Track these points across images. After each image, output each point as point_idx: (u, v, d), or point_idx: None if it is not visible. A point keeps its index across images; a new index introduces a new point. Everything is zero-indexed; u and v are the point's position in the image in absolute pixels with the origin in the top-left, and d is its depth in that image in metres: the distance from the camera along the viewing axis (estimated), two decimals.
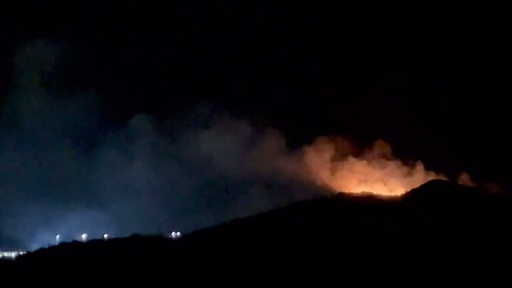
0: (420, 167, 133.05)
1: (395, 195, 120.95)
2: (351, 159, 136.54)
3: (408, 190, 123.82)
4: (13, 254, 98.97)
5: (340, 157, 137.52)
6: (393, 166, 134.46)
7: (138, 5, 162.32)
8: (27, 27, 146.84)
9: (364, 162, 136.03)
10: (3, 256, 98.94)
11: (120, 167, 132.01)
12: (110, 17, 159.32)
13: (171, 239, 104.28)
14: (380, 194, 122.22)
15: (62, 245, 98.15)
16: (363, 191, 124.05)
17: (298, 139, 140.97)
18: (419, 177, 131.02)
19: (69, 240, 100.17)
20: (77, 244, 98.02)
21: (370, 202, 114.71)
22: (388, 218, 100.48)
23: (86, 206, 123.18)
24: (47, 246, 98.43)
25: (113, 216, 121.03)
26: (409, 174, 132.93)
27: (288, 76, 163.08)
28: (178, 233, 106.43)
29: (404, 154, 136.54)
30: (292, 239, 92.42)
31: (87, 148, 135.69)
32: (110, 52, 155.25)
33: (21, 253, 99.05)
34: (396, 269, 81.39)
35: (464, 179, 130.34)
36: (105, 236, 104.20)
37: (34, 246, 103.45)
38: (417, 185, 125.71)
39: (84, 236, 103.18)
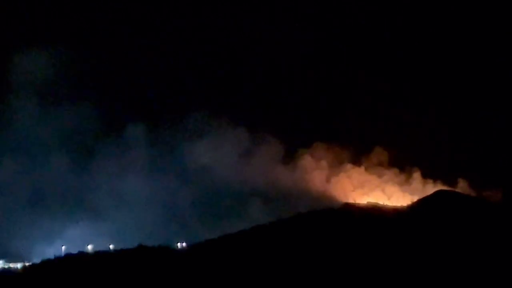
0: (417, 174, 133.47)
1: (402, 206, 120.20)
2: (349, 167, 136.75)
3: (406, 197, 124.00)
4: (19, 266, 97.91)
5: (338, 164, 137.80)
6: (390, 173, 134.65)
7: (133, 17, 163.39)
8: (23, 36, 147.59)
9: (362, 169, 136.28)
10: (9, 268, 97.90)
11: (116, 177, 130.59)
12: (106, 28, 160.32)
13: (177, 249, 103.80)
14: (386, 205, 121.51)
15: (68, 256, 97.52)
16: (369, 202, 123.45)
17: (295, 147, 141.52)
18: (417, 184, 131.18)
19: (74, 251, 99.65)
20: (83, 255, 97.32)
21: (376, 213, 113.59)
22: (396, 230, 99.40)
23: (83, 217, 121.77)
24: (52, 257, 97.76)
25: (111, 227, 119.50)
26: (407, 181, 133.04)
27: (284, 84, 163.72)
28: (184, 244, 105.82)
29: (402, 161, 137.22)
30: (299, 251, 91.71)
31: (83, 158, 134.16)
32: (105, 61, 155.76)
33: (27, 264, 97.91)
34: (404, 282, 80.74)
35: (463, 186, 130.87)
36: (111, 247, 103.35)
37: (33, 257, 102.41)
38: (414, 192, 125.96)
39: (90, 247, 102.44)
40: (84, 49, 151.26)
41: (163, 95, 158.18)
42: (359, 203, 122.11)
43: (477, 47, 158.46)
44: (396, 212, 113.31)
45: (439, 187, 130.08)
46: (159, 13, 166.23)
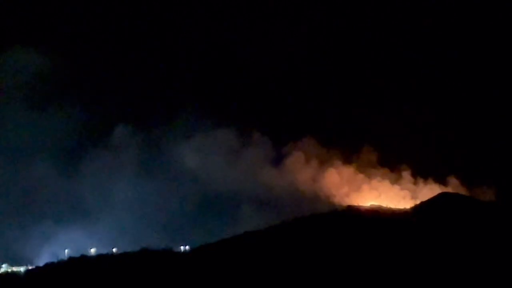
0: (406, 172, 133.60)
1: (405, 208, 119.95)
2: (339, 166, 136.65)
3: (398, 195, 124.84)
4: (22, 269, 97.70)
5: (328, 164, 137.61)
6: (380, 172, 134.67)
7: (120, 19, 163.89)
8: (8, 40, 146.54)
9: (352, 168, 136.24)
10: (12, 271, 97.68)
11: (106, 181, 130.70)
12: (92, 30, 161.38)
13: (181, 253, 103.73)
14: (389, 207, 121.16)
15: (71, 259, 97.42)
16: (372, 204, 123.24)
17: (284, 146, 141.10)
18: (406, 184, 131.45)
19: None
20: (86, 258, 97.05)
21: (379, 216, 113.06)
22: (401, 233, 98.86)
23: (75, 220, 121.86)
24: (55, 261, 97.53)
25: (103, 230, 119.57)
26: (397, 180, 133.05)
27: (274, 84, 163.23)
28: (187, 247, 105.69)
29: (392, 160, 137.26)
30: (305, 254, 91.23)
31: (73, 162, 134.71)
32: (92, 63, 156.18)
33: (29, 267, 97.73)
34: None
35: (454, 184, 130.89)
36: (114, 250, 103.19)
37: (32, 261, 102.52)
38: (406, 190, 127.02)
39: (93, 250, 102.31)
40: (71, 51, 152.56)
41: (151, 97, 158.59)
42: (362, 206, 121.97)
43: (468, 45, 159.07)
44: (400, 215, 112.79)
45: (430, 185, 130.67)
46: (146, 14, 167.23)
